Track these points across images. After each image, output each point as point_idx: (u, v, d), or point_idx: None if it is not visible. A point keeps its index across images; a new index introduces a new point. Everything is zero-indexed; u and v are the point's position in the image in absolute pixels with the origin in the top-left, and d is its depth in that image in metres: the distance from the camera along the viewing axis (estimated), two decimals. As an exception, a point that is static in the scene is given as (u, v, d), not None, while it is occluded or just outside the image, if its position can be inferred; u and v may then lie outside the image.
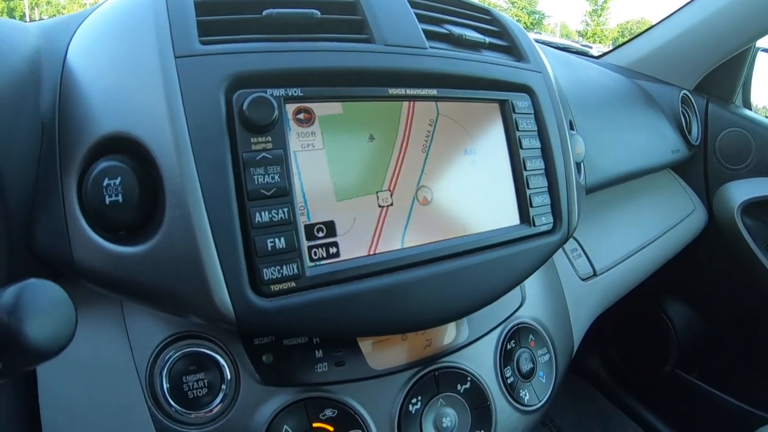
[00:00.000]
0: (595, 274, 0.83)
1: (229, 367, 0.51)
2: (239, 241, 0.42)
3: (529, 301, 0.69)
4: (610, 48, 1.27)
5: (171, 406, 0.49)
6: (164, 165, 0.41)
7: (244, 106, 0.42)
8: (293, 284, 0.43)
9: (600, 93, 0.96)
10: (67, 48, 0.49)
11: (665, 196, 1.10)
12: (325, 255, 0.45)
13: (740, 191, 1.11)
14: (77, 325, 0.48)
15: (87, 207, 0.43)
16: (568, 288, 0.77)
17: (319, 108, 0.47)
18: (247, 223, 0.42)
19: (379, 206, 0.49)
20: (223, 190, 0.42)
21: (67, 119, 0.45)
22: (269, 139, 0.44)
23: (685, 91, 1.12)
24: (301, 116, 0.47)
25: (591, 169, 0.78)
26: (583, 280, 0.81)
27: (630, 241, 0.93)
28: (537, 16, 40.22)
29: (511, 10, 39.30)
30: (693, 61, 1.15)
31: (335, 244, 0.46)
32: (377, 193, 0.49)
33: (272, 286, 0.43)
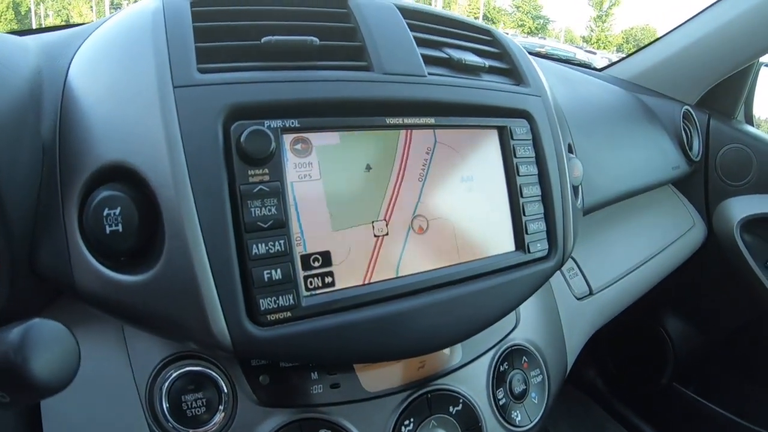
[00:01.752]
0: (591, 293, 0.84)
1: (226, 387, 0.52)
2: (236, 273, 0.43)
3: (523, 323, 0.70)
4: (614, 60, 1.27)
5: (170, 423, 0.50)
6: (162, 195, 0.42)
7: (242, 139, 0.43)
8: (289, 314, 0.44)
9: (600, 109, 0.97)
10: (68, 68, 0.50)
11: (665, 211, 1.10)
12: (320, 284, 0.47)
13: (740, 208, 1.12)
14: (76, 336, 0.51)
15: (88, 235, 0.44)
16: (563, 307, 0.79)
17: (316, 138, 0.48)
18: (245, 255, 0.43)
19: (375, 236, 0.50)
20: (220, 222, 0.43)
21: (68, 145, 0.46)
22: (266, 171, 0.45)
23: (687, 107, 1.12)
24: (298, 146, 0.48)
25: (590, 190, 0.79)
26: (578, 299, 0.82)
27: (627, 258, 0.94)
28: (542, 21, 40.09)
29: (516, 14, 39.23)
30: (696, 76, 1.15)
31: (331, 274, 0.47)
32: (373, 222, 0.50)
33: (269, 316, 0.44)
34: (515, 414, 0.66)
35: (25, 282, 0.47)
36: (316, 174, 0.48)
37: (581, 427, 1.27)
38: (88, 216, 0.43)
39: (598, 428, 1.26)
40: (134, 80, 0.45)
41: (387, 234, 0.50)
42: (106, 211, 0.43)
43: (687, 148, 1.08)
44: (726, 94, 1.17)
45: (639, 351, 1.31)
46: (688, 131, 1.12)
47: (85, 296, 0.45)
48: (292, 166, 0.47)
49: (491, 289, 0.55)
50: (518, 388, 0.66)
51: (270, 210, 0.44)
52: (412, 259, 0.51)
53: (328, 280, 0.47)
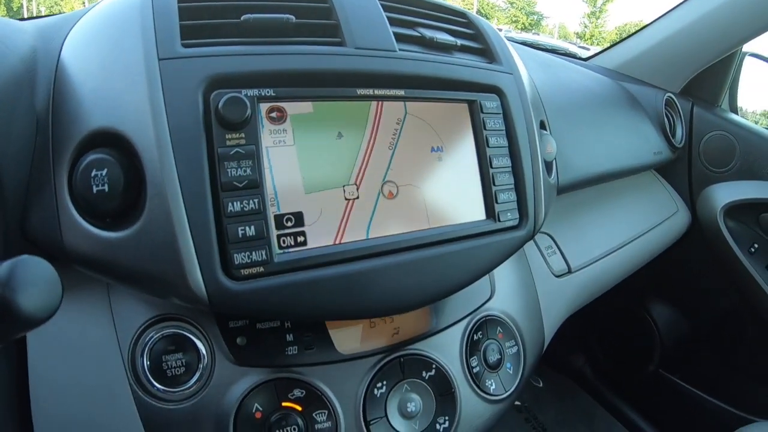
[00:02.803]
0: (569, 271, 0.88)
1: (205, 348, 0.56)
2: (213, 229, 0.47)
3: (499, 295, 0.74)
4: (598, 50, 1.31)
5: (151, 383, 0.54)
6: (146, 158, 0.46)
7: (220, 105, 0.47)
8: (262, 269, 0.48)
9: (579, 94, 1.00)
10: (61, 48, 0.54)
11: (648, 196, 1.14)
12: (293, 243, 0.50)
13: (723, 194, 1.15)
14: (64, 301, 0.54)
15: (76, 195, 0.48)
16: (540, 284, 0.82)
17: (290, 107, 0.52)
18: (221, 213, 0.47)
19: (345, 199, 0.54)
20: (198, 181, 0.47)
21: (60, 116, 0.50)
22: (242, 135, 0.49)
23: (669, 94, 1.16)
24: (273, 114, 0.52)
25: (566, 168, 0.82)
26: (557, 276, 0.86)
27: (608, 239, 0.97)
28: (535, 17, 40.20)
29: (509, 10, 39.29)
30: (679, 64, 1.19)
31: (303, 234, 0.51)
32: (344, 186, 0.54)
33: (242, 270, 0.48)
34: (489, 383, 0.69)
35: (17, 249, 0.51)
36: (290, 140, 0.52)
37: (570, 414, 1.30)
38: (77, 177, 0.47)
39: (587, 416, 1.30)
40: (122, 55, 0.49)
41: (357, 198, 0.54)
42: (93, 172, 0.47)
43: (670, 134, 1.12)
44: (709, 83, 1.21)
45: (626, 338, 1.34)
46: (670, 118, 1.15)
47: (74, 256, 0.49)
48: (268, 132, 0.51)
49: (460, 253, 0.58)
50: (493, 357, 0.70)
51: (245, 171, 0.48)
52: (382, 223, 0.55)
53: (300, 239, 0.51)
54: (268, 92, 0.51)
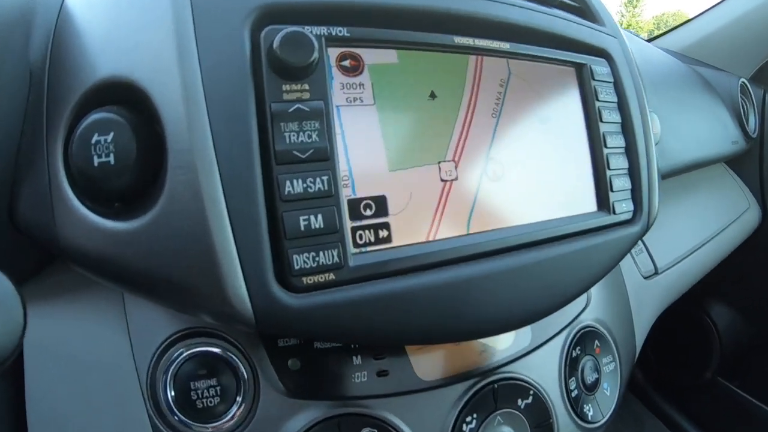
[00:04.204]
0: (656, 272, 0.70)
1: (246, 373, 0.38)
2: (263, 217, 0.30)
3: (594, 302, 0.56)
4: (662, 31, 1.12)
5: (175, 416, 0.37)
6: (168, 116, 0.29)
7: (275, 45, 0.30)
8: (332, 276, 0.31)
9: (666, 73, 0.82)
10: None
11: (720, 191, 0.95)
12: (373, 239, 0.33)
13: (798, 189, 0.96)
14: (67, 306, 0.38)
15: (74, 171, 0.31)
16: (630, 286, 0.64)
17: (369, 55, 0.35)
18: (274, 194, 0.30)
19: (442, 180, 0.36)
20: (243, 150, 0.29)
21: (59, 66, 0.34)
22: (306, 87, 0.31)
23: (743, 80, 0.97)
24: (346, 63, 0.34)
25: (663, 154, 0.64)
26: (645, 278, 0.68)
27: (689, 238, 0.79)
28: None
29: (545, 0, 38.32)
30: (749, 48, 0.99)
31: (386, 226, 0.34)
32: (439, 163, 0.36)
33: (304, 279, 0.30)
34: (587, 408, 0.51)
35: (5, 240, 0.35)
36: (369, 98, 0.34)
37: (618, 421, 1.12)
38: (73, 144, 0.31)
39: (637, 423, 1.11)
40: None
41: (456, 179, 0.36)
42: (95, 138, 0.30)
43: (744, 123, 0.93)
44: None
45: (682, 342, 1.15)
46: (744, 106, 0.96)
47: (70, 253, 0.33)
48: (339, 86, 0.34)
49: (574, 255, 0.41)
50: (590, 377, 0.52)
51: (310, 136, 0.31)
52: (484, 213, 0.38)
53: (382, 233, 0.33)
54: (340, 32, 0.33)
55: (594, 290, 0.57)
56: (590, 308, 0.55)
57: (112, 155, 0.30)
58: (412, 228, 0.34)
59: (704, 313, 1.11)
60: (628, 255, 0.67)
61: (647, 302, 0.67)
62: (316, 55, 0.31)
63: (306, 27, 0.32)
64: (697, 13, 1.10)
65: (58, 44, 0.34)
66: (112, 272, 0.32)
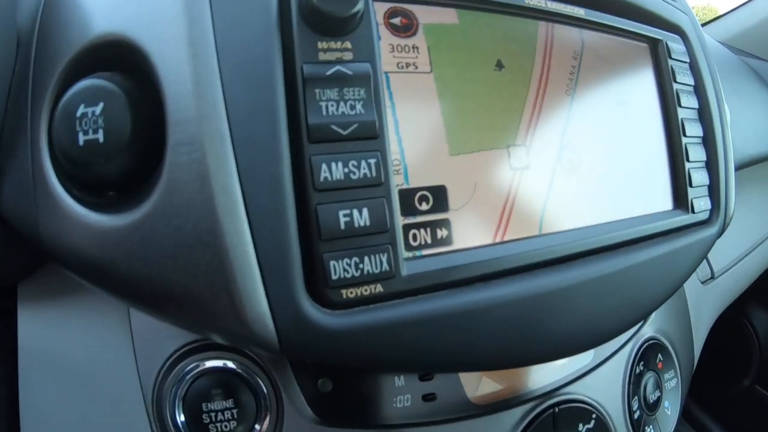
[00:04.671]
0: (713, 277, 0.62)
1: (268, 394, 0.31)
2: (291, 211, 0.22)
3: (655, 312, 0.48)
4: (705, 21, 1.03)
5: None
6: (170, 79, 0.22)
7: None
8: (380, 288, 0.23)
9: (721, 62, 0.74)
10: None
11: None
12: (429, 241, 0.25)
13: None
14: (60, 312, 0.32)
15: (57, 151, 0.24)
16: (689, 294, 0.56)
17: (423, 13, 0.27)
18: (306, 181, 0.22)
19: (512, 168, 0.28)
20: (265, 122, 0.22)
21: (48, 29, 0.27)
22: (348, 45, 0.23)
23: (795, 72, 0.88)
24: (396, 21, 0.26)
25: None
26: (702, 282, 0.60)
27: (746, 239, 0.71)
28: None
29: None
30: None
31: (446, 224, 0.26)
32: (509, 147, 0.28)
33: (344, 291, 0.23)
34: (648, 430, 0.44)
35: None
36: (425, 64, 0.27)
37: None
38: (55, 120, 0.23)
39: (668, 429, 1.04)
40: None
41: (527, 167, 0.29)
42: (81, 109, 0.23)
43: (796, 119, 0.84)
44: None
45: (720, 347, 1.06)
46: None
47: (52, 249, 0.25)
48: (389, 47, 0.26)
49: (656, 261, 0.34)
50: (652, 395, 0.45)
51: (353, 107, 0.23)
52: (559, 210, 0.30)
53: (441, 233, 0.26)
54: (389, -19, 0.26)
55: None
56: (651, 319, 0.47)
57: (101, 131, 0.22)
58: (476, 227, 0.27)
59: (744, 318, 1.02)
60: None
61: (705, 309, 0.59)
62: (361, 5, 0.23)
63: None
64: (739, 3, 1.01)
65: (49, 4, 0.27)
66: (102, 278, 0.25)
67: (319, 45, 0.23)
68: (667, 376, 0.47)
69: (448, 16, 0.28)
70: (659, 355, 0.46)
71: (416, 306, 0.24)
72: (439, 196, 0.26)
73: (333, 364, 0.27)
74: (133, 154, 0.23)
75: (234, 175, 0.21)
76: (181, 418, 0.30)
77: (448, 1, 0.28)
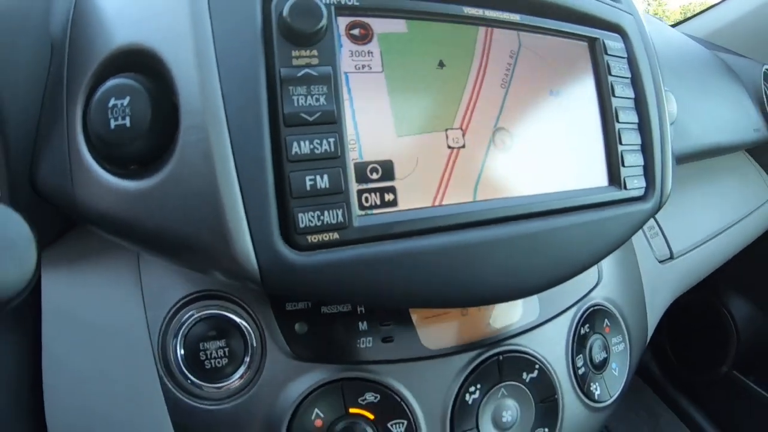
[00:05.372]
0: (671, 257, 0.70)
1: (254, 335, 0.40)
2: (270, 176, 0.31)
3: (606, 280, 0.57)
4: (684, 18, 1.12)
5: (185, 375, 0.39)
6: (182, 81, 0.32)
7: (285, 12, 0.32)
8: (336, 236, 0.32)
9: (686, 56, 0.82)
10: None
11: (741, 180, 0.94)
12: (378, 202, 0.34)
13: (823, 180, 0.95)
14: (85, 272, 0.40)
15: (91, 134, 0.33)
16: (644, 269, 0.65)
17: (378, 24, 0.36)
18: (282, 155, 0.31)
19: (449, 147, 0.37)
20: (252, 112, 0.31)
21: (78, 38, 0.36)
22: (315, 53, 0.33)
23: (767, 67, 0.96)
24: (356, 32, 0.35)
25: (681, 135, 0.65)
26: (660, 262, 0.68)
27: (708, 224, 0.79)
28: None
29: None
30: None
31: (392, 190, 0.35)
32: (447, 130, 0.37)
33: (309, 237, 0.32)
34: (594, 387, 0.52)
35: (27, 206, 0.37)
36: (378, 65, 0.36)
37: (632, 413, 1.12)
38: (92, 110, 0.33)
39: (651, 416, 1.11)
40: None
41: (463, 146, 0.38)
42: (112, 102, 0.32)
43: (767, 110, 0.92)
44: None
45: (699, 334, 1.14)
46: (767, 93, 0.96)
47: (87, 213, 0.35)
48: (348, 53, 0.35)
49: (584, 227, 0.42)
50: (599, 355, 0.53)
51: (318, 99, 0.32)
52: (491, 181, 0.39)
53: (388, 197, 0.35)
54: (349, 1, 0.35)
55: (606, 269, 0.57)
56: (601, 287, 0.56)
57: (128, 118, 0.32)
58: (418, 193, 0.36)
59: (722, 306, 1.11)
60: (643, 238, 0.67)
61: (661, 287, 0.68)
62: (324, 22, 0.32)
63: None
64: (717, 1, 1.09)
65: (78, 17, 0.37)
66: (127, 231, 0.34)
67: (293, 53, 0.32)
68: (614, 340, 0.56)
69: (398, 26, 0.37)
70: (606, 321, 0.55)
71: (364, 250, 0.33)
72: (386, 169, 0.35)
73: (300, 294, 0.36)
74: (152, 136, 0.32)
75: (229, 151, 0.31)
76: (181, 353, 0.39)
77: (399, 13, 0.37)
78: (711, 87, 0.82)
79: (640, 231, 0.67)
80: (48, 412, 0.39)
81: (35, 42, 0.36)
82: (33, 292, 0.41)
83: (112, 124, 0.32)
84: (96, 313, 0.40)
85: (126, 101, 0.32)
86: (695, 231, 0.77)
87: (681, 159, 0.67)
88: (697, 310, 1.13)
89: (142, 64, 0.33)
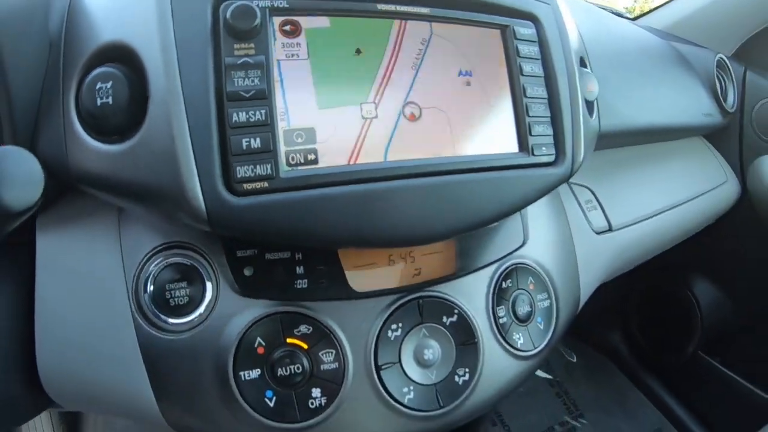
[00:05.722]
0: (610, 229, 0.79)
1: (210, 279, 0.51)
2: (215, 139, 0.42)
3: (532, 243, 0.66)
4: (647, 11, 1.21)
5: (153, 313, 0.50)
6: (151, 69, 0.43)
7: (228, 14, 0.43)
8: (266, 184, 0.43)
9: (625, 44, 0.91)
10: None
11: (695, 163, 1.03)
12: (302, 161, 0.45)
13: (777, 164, 1.04)
14: (73, 229, 0.51)
15: (82, 111, 0.45)
16: (578, 238, 0.73)
17: (306, 21, 0.47)
18: (225, 123, 0.42)
19: (363, 117, 0.48)
20: (203, 91, 0.42)
21: (72, 35, 0.47)
22: (252, 45, 0.44)
23: (721, 56, 1.05)
24: (287, 28, 0.46)
25: (609, 114, 0.73)
26: (597, 233, 0.77)
27: (652, 201, 0.87)
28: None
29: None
30: (732, 25, 1.07)
31: (314, 151, 0.45)
32: (361, 104, 0.48)
33: (245, 185, 0.42)
34: (517, 336, 0.62)
35: None
36: (304, 54, 0.46)
37: (602, 393, 1.20)
38: (83, 92, 0.44)
39: (620, 396, 1.20)
40: None
41: (376, 117, 0.48)
42: (99, 85, 0.43)
43: (721, 98, 1.01)
44: (765, 47, 1.09)
45: (666, 317, 1.23)
46: (722, 81, 1.04)
47: (76, 173, 0.45)
48: (280, 45, 0.46)
49: (488, 182, 0.51)
50: (522, 309, 0.62)
51: (253, 81, 0.43)
52: (402, 146, 0.49)
53: (310, 156, 0.45)
54: (281, 3, 0.46)
55: (534, 234, 0.66)
56: (527, 248, 0.65)
57: (110, 97, 0.43)
58: (335, 154, 0.46)
59: (687, 289, 1.19)
60: (578, 210, 0.76)
61: (597, 257, 0.76)
62: (258, 21, 0.43)
63: (255, 1, 0.44)
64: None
65: (71, 19, 0.48)
66: (109, 186, 0.45)
67: (235, 46, 0.43)
68: (540, 296, 0.65)
69: (322, 22, 0.47)
70: (530, 278, 0.64)
71: (289, 195, 0.43)
72: (309, 134, 0.45)
73: (239, 233, 0.47)
74: (129, 110, 0.43)
75: (185, 121, 0.41)
76: (150, 292, 0.50)
77: (322, 12, 0.47)
78: (654, 73, 0.91)
79: (576, 204, 0.76)
80: (38, 341, 0.49)
81: (37, 41, 0.47)
82: (28, 248, 0.51)
83: (98, 102, 0.43)
84: (82, 262, 0.51)
85: (109, 84, 0.43)
86: (638, 207, 0.85)
87: (614, 136, 0.75)
88: (664, 294, 1.21)
89: (122, 56, 0.44)
